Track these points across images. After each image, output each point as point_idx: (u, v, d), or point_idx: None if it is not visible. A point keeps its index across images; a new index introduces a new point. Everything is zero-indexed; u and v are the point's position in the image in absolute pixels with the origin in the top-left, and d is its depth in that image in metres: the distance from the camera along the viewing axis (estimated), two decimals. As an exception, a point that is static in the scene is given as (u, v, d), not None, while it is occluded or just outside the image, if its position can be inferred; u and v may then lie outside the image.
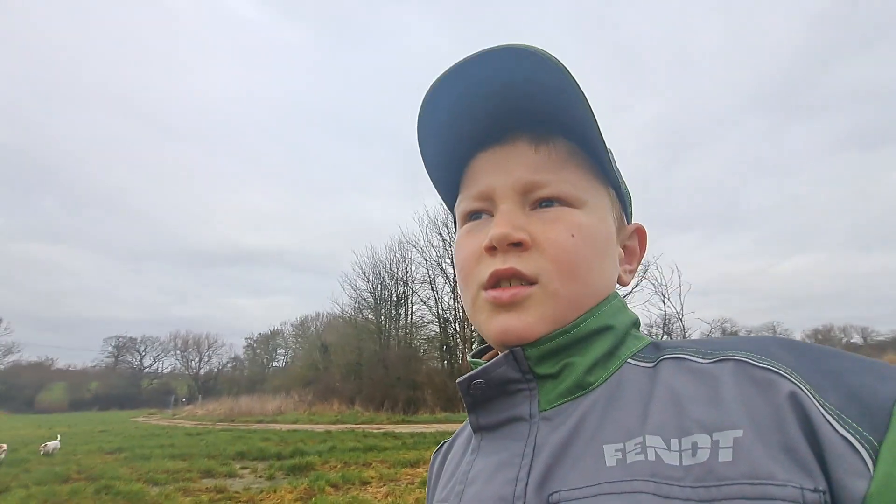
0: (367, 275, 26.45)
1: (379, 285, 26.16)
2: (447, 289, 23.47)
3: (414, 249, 24.57)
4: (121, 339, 61.11)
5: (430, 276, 23.73)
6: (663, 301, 19.66)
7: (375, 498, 6.04)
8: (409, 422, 17.48)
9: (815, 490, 0.31)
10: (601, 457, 0.40)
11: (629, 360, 0.47)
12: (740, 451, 0.34)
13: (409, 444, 10.70)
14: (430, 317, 24.36)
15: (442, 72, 0.47)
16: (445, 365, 22.74)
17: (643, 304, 20.84)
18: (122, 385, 57.68)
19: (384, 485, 6.78)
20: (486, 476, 0.44)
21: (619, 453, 0.39)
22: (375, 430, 13.93)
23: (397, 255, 25.68)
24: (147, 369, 60.78)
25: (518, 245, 0.47)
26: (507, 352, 0.46)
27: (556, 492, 0.40)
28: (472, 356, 0.56)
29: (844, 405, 0.34)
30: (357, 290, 26.94)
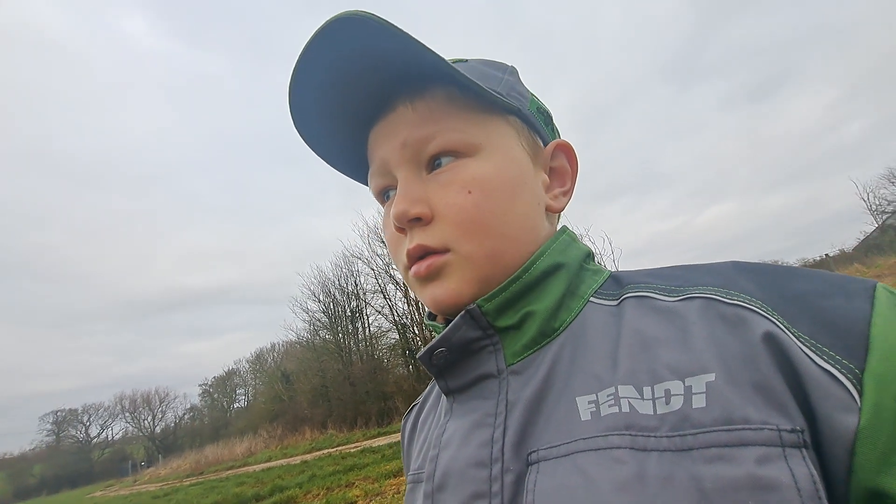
0: (317, 295, 25.83)
1: (331, 303, 25.55)
2: (399, 295, 23.29)
3: (360, 261, 24.21)
4: (59, 414, 55.99)
5: (380, 286, 23.38)
6: (606, 268, 20.63)
7: (364, 516, 5.95)
8: (385, 433, 17.15)
9: (793, 430, 0.30)
10: (575, 410, 0.38)
11: (591, 298, 0.46)
12: (713, 396, 0.33)
13: (388, 455, 10.53)
14: (387, 325, 24.16)
15: (290, 73, 0.44)
16: (411, 369, 22.59)
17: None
18: (71, 462, 53.09)
19: (370, 500, 6.67)
20: (460, 438, 0.43)
21: (593, 405, 0.37)
22: (353, 449, 13.62)
23: (344, 271, 25.18)
24: (95, 439, 56.22)
25: (419, 220, 0.45)
26: (463, 312, 0.44)
27: (535, 451, 0.38)
28: (428, 318, 0.55)
29: (817, 332, 0.33)
30: (310, 313, 26.22)
